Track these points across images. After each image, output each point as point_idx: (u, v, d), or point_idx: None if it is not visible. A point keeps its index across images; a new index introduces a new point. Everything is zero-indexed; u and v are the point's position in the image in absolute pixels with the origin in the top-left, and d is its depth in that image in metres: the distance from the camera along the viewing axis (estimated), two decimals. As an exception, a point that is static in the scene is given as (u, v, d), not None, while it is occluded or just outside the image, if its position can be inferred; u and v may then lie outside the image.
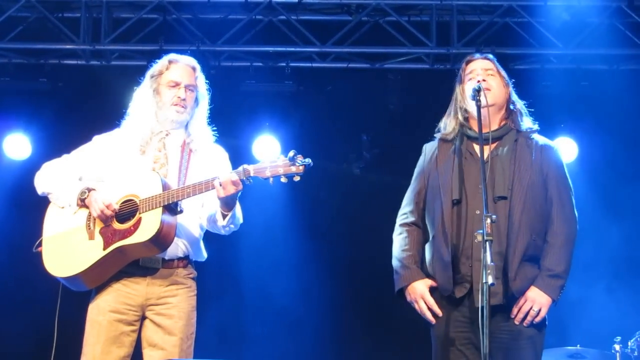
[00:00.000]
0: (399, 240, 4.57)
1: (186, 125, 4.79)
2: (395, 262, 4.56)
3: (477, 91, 4.36)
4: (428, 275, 4.46)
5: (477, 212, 4.30)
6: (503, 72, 4.61)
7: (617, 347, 6.49)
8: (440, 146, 4.59)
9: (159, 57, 4.91)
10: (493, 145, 4.46)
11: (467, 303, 4.34)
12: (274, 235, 8.19)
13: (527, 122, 4.58)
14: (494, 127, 4.49)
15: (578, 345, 6.71)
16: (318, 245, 8.19)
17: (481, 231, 4.00)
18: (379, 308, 7.85)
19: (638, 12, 7.74)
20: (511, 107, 4.56)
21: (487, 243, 3.96)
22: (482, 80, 4.45)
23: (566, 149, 7.83)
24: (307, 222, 8.23)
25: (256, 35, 7.95)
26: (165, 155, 4.68)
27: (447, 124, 4.60)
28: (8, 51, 8.03)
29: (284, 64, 8.10)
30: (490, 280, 3.91)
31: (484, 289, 3.94)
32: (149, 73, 4.81)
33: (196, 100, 4.80)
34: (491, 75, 4.54)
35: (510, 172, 4.39)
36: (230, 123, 8.09)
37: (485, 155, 4.36)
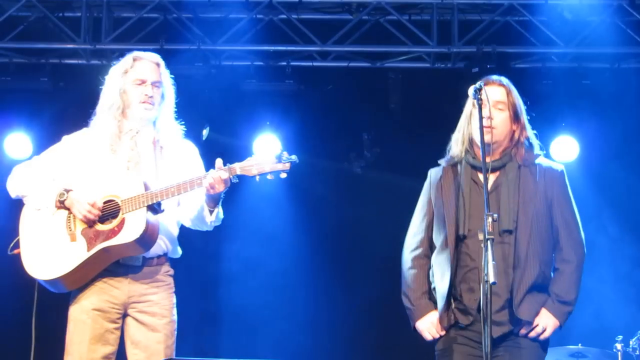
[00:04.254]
0: (410, 277, 4.55)
1: (154, 122, 4.77)
2: (405, 300, 4.57)
3: (478, 90, 4.32)
4: (435, 302, 4.50)
5: (483, 246, 4.18)
6: (515, 101, 4.48)
7: (618, 346, 6.48)
8: (445, 173, 4.55)
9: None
10: (496, 174, 4.43)
11: (477, 328, 4.29)
12: (274, 234, 8.20)
13: (531, 155, 4.50)
14: (495, 157, 4.44)
15: (580, 344, 6.71)
16: (319, 244, 8.19)
17: (482, 230, 4.00)
18: (380, 306, 7.85)
19: (639, 10, 7.73)
20: (518, 139, 4.46)
21: (489, 242, 3.96)
22: (488, 118, 4.32)
23: (567, 147, 7.83)
24: (308, 220, 8.24)
25: (257, 34, 7.95)
26: (138, 154, 4.67)
27: (454, 146, 4.54)
28: (9, 51, 8.04)
29: (285, 63, 8.10)
30: (492, 279, 3.91)
31: (486, 288, 3.95)
32: (112, 72, 4.78)
33: (162, 96, 4.77)
34: (500, 110, 4.43)
35: (515, 204, 4.36)
36: (231, 122, 8.13)
37: (490, 184, 4.34)
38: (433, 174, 4.63)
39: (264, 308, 8.16)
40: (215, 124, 8.08)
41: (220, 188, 4.42)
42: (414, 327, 4.54)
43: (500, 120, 4.42)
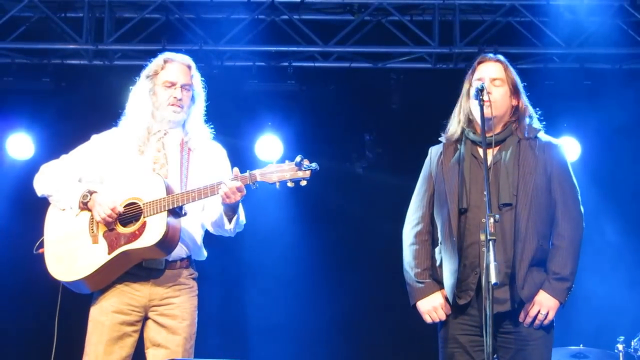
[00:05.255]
0: (411, 252, 4.55)
1: (183, 124, 4.77)
2: (407, 275, 4.56)
3: (480, 91, 4.35)
4: (438, 280, 4.48)
5: (483, 220, 4.21)
6: (513, 77, 4.56)
7: (620, 346, 6.48)
8: (446, 149, 4.57)
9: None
10: (496, 149, 4.45)
11: (476, 310, 4.33)
12: (276, 234, 8.19)
13: (532, 128, 4.53)
14: (497, 130, 4.47)
15: (581, 345, 6.70)
16: (320, 244, 8.19)
17: (484, 231, 4.01)
18: (383, 307, 7.85)
19: (641, 11, 7.74)
20: (519, 114, 4.52)
21: (491, 243, 3.97)
22: (487, 92, 4.39)
23: (569, 148, 7.81)
24: (310, 221, 8.23)
25: (259, 34, 7.95)
26: (164, 155, 4.67)
27: (451, 124, 4.58)
28: (11, 51, 8.04)
29: (287, 64, 8.11)
30: (493, 280, 3.92)
31: (488, 288, 3.95)
32: (144, 73, 4.79)
33: (192, 99, 4.79)
34: (498, 86, 4.49)
35: (515, 178, 4.38)
36: (233, 123, 8.11)
37: (489, 160, 4.37)
38: (434, 151, 4.66)
39: (264, 308, 8.16)
40: (217, 125, 8.06)
41: (236, 197, 4.40)
42: (413, 305, 4.53)
43: (498, 94, 4.47)
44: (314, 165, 4.39)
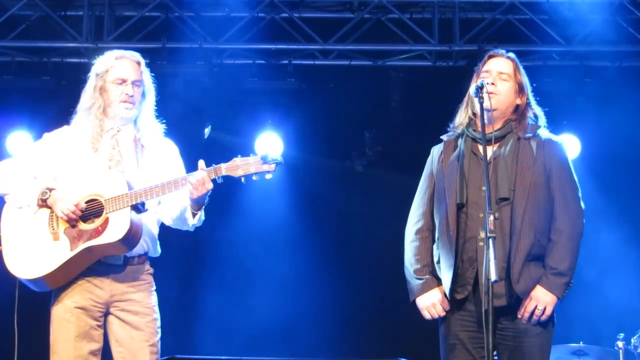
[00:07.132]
0: (412, 249, 4.56)
1: (135, 121, 4.77)
2: (407, 272, 4.57)
3: (480, 88, 4.35)
4: (438, 277, 4.48)
5: (481, 215, 4.27)
6: (521, 75, 4.57)
7: (620, 343, 6.50)
8: (446, 147, 4.58)
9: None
10: (496, 145, 4.45)
11: (474, 304, 4.34)
12: (276, 231, 8.21)
13: (532, 127, 4.52)
14: (497, 126, 4.47)
15: (581, 342, 6.72)
16: (320, 242, 8.20)
17: (484, 227, 4.01)
18: (383, 305, 7.86)
19: (641, 8, 7.75)
20: (520, 112, 4.51)
21: (490, 240, 3.97)
22: (491, 84, 4.42)
23: (569, 146, 7.82)
24: (310, 219, 8.24)
25: (259, 32, 7.96)
26: (119, 153, 4.67)
27: (459, 115, 4.58)
28: (11, 49, 8.05)
29: (287, 62, 8.11)
30: (493, 277, 3.92)
31: (488, 286, 3.96)
32: (93, 70, 4.79)
33: (143, 95, 4.77)
34: (504, 80, 4.50)
35: (512, 173, 4.37)
36: (233, 120, 8.13)
37: (488, 156, 4.37)
38: (435, 149, 4.67)
39: (265, 306, 8.16)
40: (217, 123, 8.08)
41: (203, 191, 4.42)
42: (413, 302, 4.54)
43: (503, 88, 4.48)
44: (279, 158, 4.42)
